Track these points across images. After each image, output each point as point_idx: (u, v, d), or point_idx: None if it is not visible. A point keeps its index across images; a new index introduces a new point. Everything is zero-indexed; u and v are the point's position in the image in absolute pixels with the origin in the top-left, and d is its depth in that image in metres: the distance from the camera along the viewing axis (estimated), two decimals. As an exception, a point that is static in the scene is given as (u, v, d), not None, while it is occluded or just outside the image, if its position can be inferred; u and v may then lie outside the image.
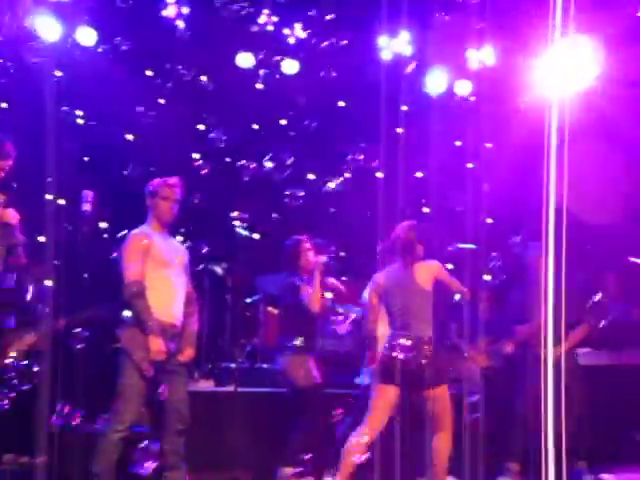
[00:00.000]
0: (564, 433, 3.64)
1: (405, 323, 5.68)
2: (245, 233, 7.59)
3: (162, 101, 7.92)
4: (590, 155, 6.17)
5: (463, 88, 8.01)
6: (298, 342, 6.30)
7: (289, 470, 6.22)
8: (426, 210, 8.36)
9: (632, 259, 7.35)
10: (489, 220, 7.81)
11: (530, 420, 5.79)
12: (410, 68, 7.56)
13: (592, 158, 6.44)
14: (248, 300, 7.98)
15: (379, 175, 8.13)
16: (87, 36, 7.23)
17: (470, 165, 8.15)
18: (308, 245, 6.50)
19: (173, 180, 5.69)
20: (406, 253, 5.79)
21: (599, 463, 6.34)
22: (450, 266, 7.92)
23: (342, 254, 8.22)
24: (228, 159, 8.06)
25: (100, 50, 7.37)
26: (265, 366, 7.36)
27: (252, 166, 7.85)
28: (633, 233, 7.63)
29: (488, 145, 7.95)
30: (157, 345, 5.32)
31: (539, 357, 5.64)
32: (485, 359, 7.11)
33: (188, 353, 5.61)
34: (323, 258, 6.41)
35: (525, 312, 6.36)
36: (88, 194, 5.66)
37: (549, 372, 3.73)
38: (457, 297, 6.09)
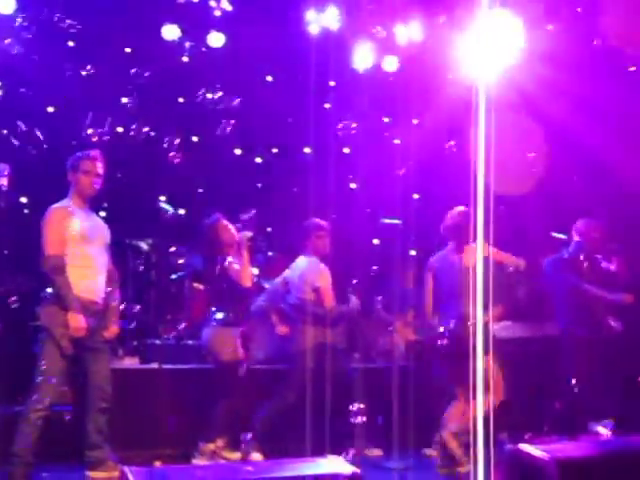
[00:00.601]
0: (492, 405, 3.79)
1: (450, 302, 6.00)
2: (169, 209, 7.47)
3: (84, 73, 7.67)
4: (512, 130, 6.28)
5: (390, 64, 7.98)
6: (223, 315, 6.22)
7: (210, 446, 6.14)
8: (353, 186, 8.39)
9: (554, 234, 7.45)
10: (416, 196, 7.86)
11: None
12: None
13: (514, 133, 6.58)
14: (173, 276, 7.80)
15: (307, 151, 8.10)
16: (5, 5, 6.98)
17: (397, 141, 8.17)
18: (225, 222, 6.37)
19: (95, 153, 5.54)
20: (457, 237, 6.14)
21: (520, 433, 6.30)
22: (376, 241, 8.09)
23: (269, 229, 8.35)
24: (153, 133, 7.85)
25: (20, 19, 7.12)
26: (190, 343, 7.21)
27: (177, 141, 7.72)
28: (557, 208, 7.73)
29: (415, 121, 7.97)
30: (77, 321, 5.21)
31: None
32: (411, 332, 7.22)
33: (112, 330, 5.57)
34: (248, 234, 6.32)
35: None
36: (4, 168, 5.46)
37: (479, 345, 3.77)
38: (511, 269, 6.35)
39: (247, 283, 6.25)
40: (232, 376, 6.18)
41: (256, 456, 6.20)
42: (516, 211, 7.47)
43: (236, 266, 6.22)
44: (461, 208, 6.17)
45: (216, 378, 6.28)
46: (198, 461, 6.06)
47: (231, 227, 6.36)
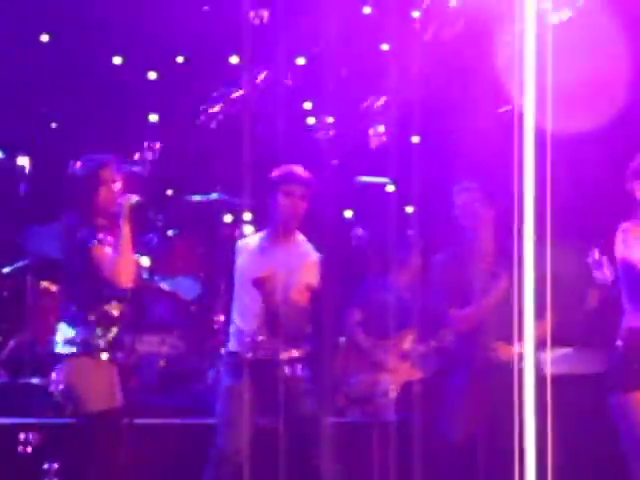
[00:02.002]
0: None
1: None
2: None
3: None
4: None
5: None
6: (82, 335, 5.85)
7: None
8: (312, 121, 8.61)
9: None
10: (415, 139, 7.93)
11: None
12: None
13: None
14: (7, 269, 7.76)
15: (234, 61, 8.28)
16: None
17: (386, 46, 7.87)
18: (114, 172, 6.06)
19: None
20: None
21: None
22: (349, 213, 8.50)
23: (169, 193, 8.36)
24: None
25: None
26: (36, 381, 7.09)
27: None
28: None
29: (416, 14, 7.96)
30: None
31: (485, 359, 6.33)
32: (411, 369, 7.41)
33: None
34: (134, 198, 5.97)
35: (456, 289, 6.55)
36: None
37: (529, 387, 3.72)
38: None
39: (123, 280, 5.93)
40: (103, 436, 5.91)
41: None
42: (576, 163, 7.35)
43: (108, 249, 5.94)
44: None
45: (79, 439, 6.01)
46: None
47: (117, 184, 6.06)
